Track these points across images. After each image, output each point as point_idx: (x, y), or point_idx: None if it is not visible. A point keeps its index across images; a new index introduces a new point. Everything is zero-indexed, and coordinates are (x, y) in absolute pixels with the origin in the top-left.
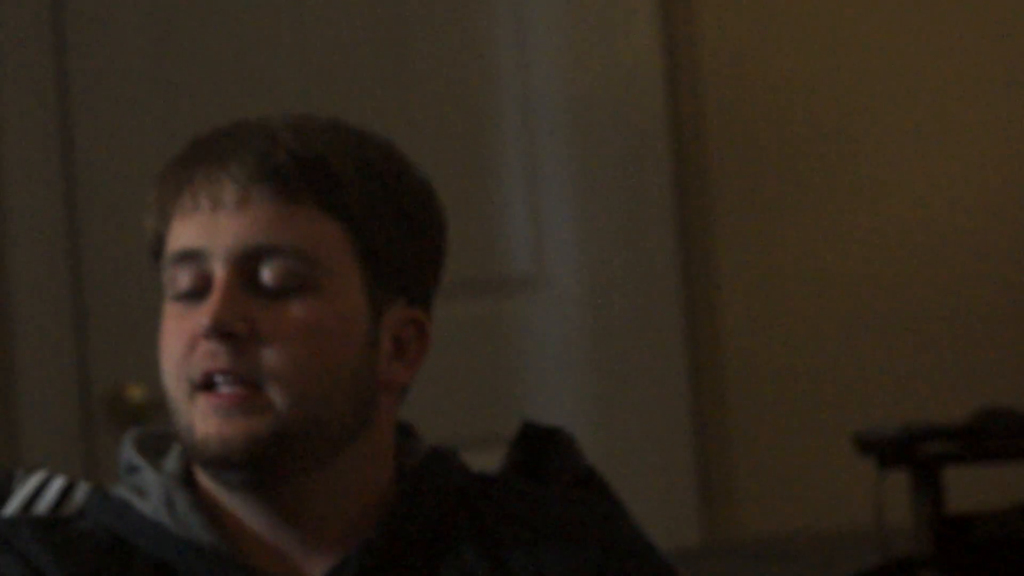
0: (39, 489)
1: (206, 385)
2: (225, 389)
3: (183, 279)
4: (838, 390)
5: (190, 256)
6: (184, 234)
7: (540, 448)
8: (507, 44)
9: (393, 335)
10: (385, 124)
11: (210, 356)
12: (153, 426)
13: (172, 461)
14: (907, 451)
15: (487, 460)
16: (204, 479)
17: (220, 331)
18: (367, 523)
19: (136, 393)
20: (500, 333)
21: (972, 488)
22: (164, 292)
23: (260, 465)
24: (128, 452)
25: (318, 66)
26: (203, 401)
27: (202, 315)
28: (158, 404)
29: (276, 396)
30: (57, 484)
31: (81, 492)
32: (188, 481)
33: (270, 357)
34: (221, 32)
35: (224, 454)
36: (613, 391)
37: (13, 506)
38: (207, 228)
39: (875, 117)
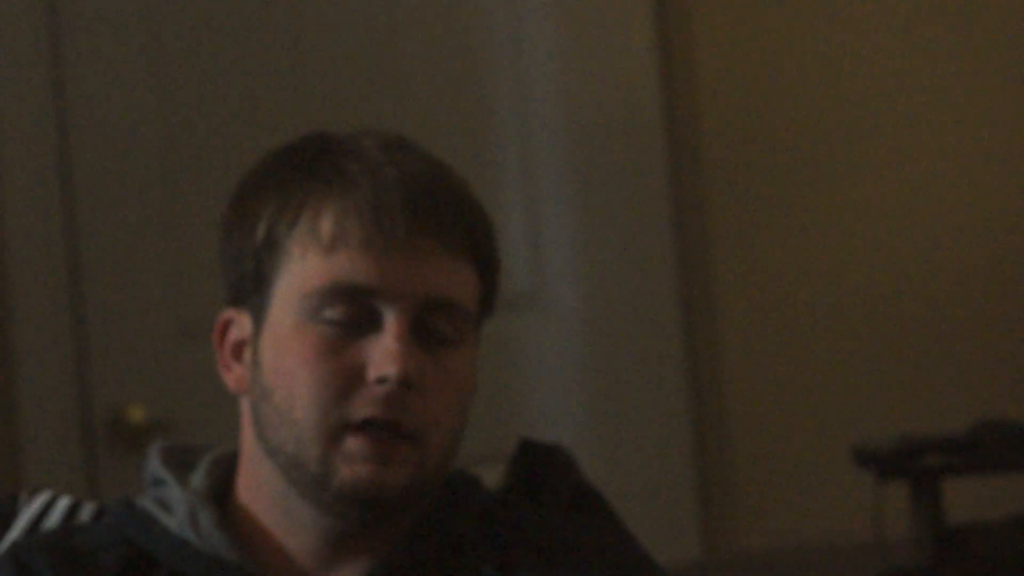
0: (45, 509)
1: (361, 427)
2: (385, 436)
3: (335, 311)
4: (836, 403)
5: (359, 294)
6: (343, 264)
7: (539, 465)
8: (504, 66)
9: None
10: None
11: (378, 403)
12: (180, 439)
13: (199, 477)
14: (906, 463)
15: (487, 478)
16: (245, 496)
17: (407, 383)
18: (390, 540)
19: (137, 414)
20: (500, 351)
21: (971, 500)
22: (298, 309)
23: (397, 509)
24: (155, 465)
25: (315, 86)
26: (355, 442)
27: (381, 359)
28: (159, 425)
29: (430, 447)
30: (63, 504)
31: (87, 511)
32: (215, 497)
33: (435, 409)
34: (218, 49)
35: (376, 497)
36: (613, 407)
37: (19, 527)
38: (381, 268)
39: (872, 128)
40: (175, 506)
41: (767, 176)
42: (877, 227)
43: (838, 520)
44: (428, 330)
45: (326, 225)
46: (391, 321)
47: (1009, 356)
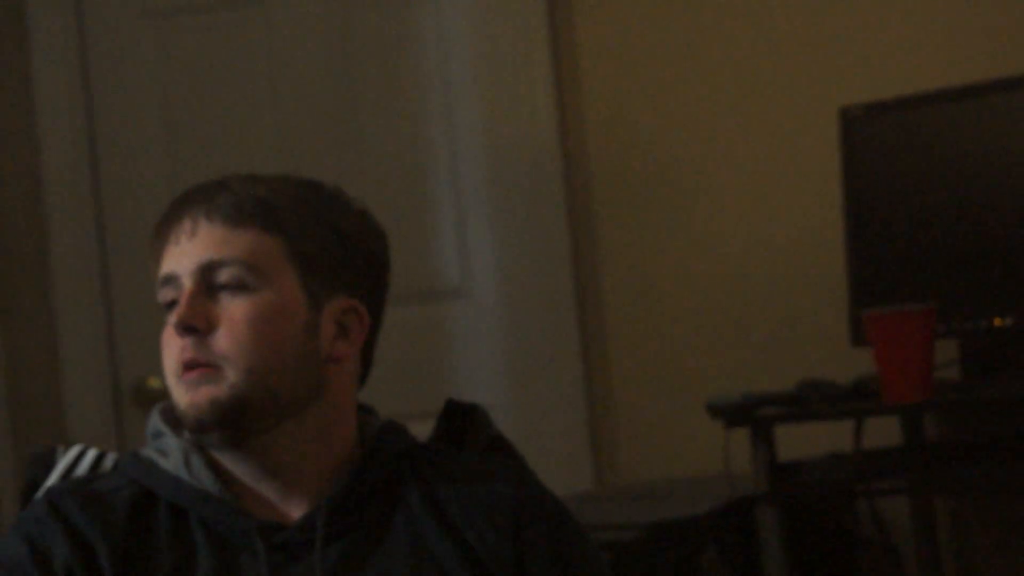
0: (77, 459)
1: (184, 371)
2: (194, 369)
3: (167, 296)
4: (696, 368)
5: (169, 280)
6: (164, 264)
7: (461, 420)
8: (438, 113)
9: (336, 320)
10: (343, 173)
11: (180, 349)
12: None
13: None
14: (748, 414)
15: (421, 430)
16: None
17: (183, 326)
18: (336, 479)
19: (156, 383)
20: (434, 333)
21: (798, 442)
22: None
23: (226, 424)
24: (155, 421)
25: (292, 133)
26: (181, 381)
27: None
28: None
29: (230, 371)
30: (91, 454)
31: (110, 460)
32: (201, 446)
33: (222, 342)
34: (219, 111)
35: (197, 417)
36: (522, 376)
37: (57, 471)
38: (176, 256)
39: (725, 164)
40: (171, 452)
41: (642, 196)
42: (728, 231)
43: (697, 459)
44: (214, 285)
45: (155, 241)
46: (184, 288)
47: (824, 331)
